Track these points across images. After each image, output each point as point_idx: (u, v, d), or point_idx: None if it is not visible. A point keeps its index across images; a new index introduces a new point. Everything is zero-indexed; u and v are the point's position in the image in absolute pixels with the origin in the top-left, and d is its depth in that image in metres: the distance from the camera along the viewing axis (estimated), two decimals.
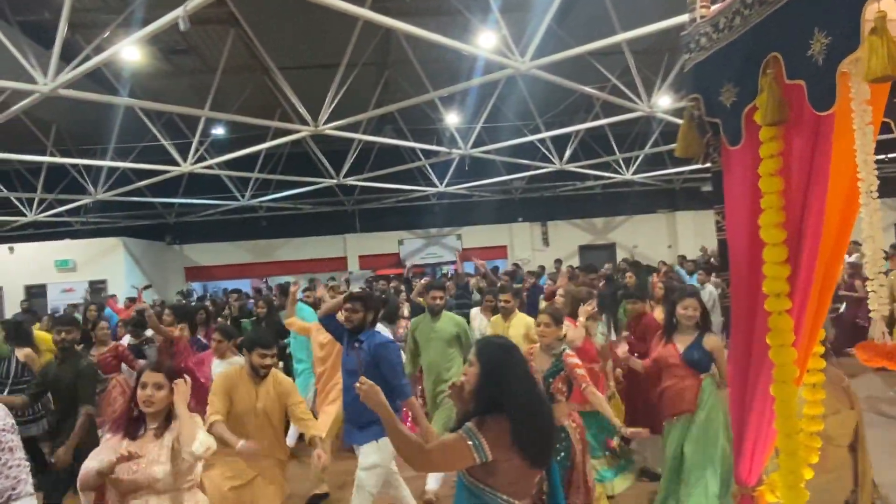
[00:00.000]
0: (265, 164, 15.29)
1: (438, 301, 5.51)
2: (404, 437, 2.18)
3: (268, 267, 19.03)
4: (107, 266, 16.52)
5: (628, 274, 9.05)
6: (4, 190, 14.72)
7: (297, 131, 10.29)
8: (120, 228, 18.31)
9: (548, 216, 20.05)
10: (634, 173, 16.81)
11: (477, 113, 12.52)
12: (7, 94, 8.32)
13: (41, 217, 15.63)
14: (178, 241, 19.66)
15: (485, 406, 2.20)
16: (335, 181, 14.76)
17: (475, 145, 13.00)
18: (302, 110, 9.60)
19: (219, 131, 14.65)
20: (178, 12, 5.42)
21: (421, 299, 6.32)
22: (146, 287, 12.86)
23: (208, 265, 19.43)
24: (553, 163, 14.83)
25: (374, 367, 3.96)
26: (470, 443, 2.12)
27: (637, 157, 16.17)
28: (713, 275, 9.40)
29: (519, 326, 5.58)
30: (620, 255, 19.36)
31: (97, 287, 15.93)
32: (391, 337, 5.27)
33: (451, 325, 5.49)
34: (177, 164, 12.14)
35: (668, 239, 19.86)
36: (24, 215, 15.53)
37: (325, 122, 9.75)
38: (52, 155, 13.10)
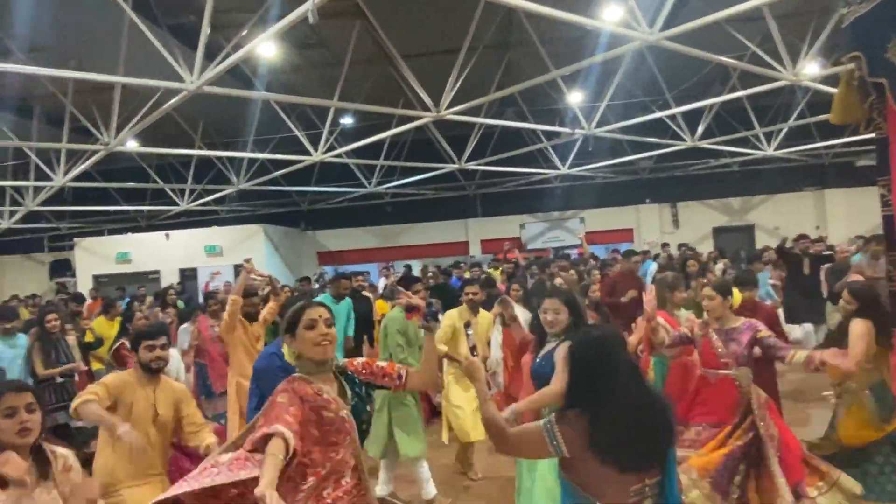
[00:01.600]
0: (390, 151, 15.72)
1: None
2: (492, 418, 2.25)
3: (392, 252, 19.61)
4: (249, 251, 17.71)
5: (690, 262, 8.32)
6: (161, 182, 16.21)
7: (420, 118, 10.46)
8: (259, 216, 19.60)
9: (678, 197, 19.05)
10: (777, 148, 15.51)
11: (601, 91, 12.09)
12: (159, 93, 9.08)
13: (192, 206, 17.08)
14: (311, 227, 20.74)
15: (572, 400, 2.13)
16: (457, 166, 14.87)
17: (599, 124, 12.56)
18: (424, 97, 9.73)
19: (347, 121, 15.23)
20: (307, 6, 5.65)
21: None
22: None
23: (338, 250, 20.35)
24: (684, 140, 14.02)
25: None
26: (545, 434, 2.09)
27: (780, 131, 14.90)
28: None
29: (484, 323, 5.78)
30: (760, 237, 18.02)
31: (240, 270, 17.16)
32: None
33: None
34: (309, 154, 12.75)
35: (816, 219, 18.19)
36: (178, 205, 17.05)
37: (447, 108, 9.82)
38: (199, 149, 14.26)
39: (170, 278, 17.06)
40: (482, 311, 5.70)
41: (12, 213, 16.08)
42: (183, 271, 17.58)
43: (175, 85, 7.47)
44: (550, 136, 14.58)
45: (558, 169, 16.11)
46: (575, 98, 12.50)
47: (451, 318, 5.52)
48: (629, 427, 2.00)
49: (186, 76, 7.34)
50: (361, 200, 19.23)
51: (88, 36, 9.71)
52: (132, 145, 12.32)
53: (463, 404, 5.34)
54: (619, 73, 11.19)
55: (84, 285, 17.44)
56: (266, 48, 8.76)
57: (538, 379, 3.41)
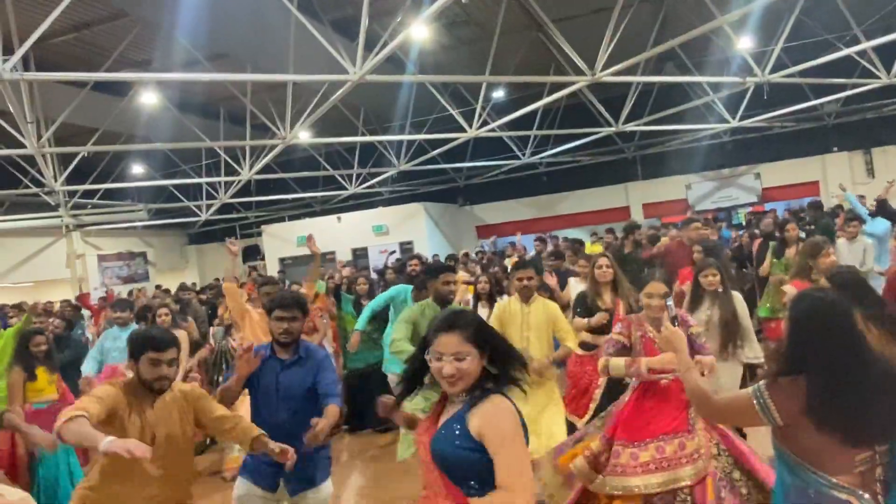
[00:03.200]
0: (543, 120, 15.52)
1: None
2: (697, 385, 2.24)
3: (551, 221, 19.41)
4: (412, 229, 18.54)
5: (789, 226, 6.91)
6: (330, 169, 17.38)
7: (574, 83, 10.19)
8: (419, 194, 20.33)
9: (872, 142, 16.83)
10: None
11: (773, 32, 10.97)
12: (325, 86, 9.70)
13: (359, 189, 18.14)
14: (469, 202, 21.14)
15: (788, 365, 2.00)
16: (614, 129, 14.32)
17: (774, 70, 11.42)
18: (577, 60, 9.45)
19: (499, 94, 15.24)
20: None
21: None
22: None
23: (496, 223, 20.56)
24: (878, 77, 12.33)
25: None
26: (755, 402, 1.99)
27: None
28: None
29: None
30: None
31: (406, 248, 18.03)
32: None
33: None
34: (464, 131, 12.97)
35: None
36: (346, 189, 18.19)
37: (603, 69, 9.47)
38: (362, 135, 15.08)
39: (344, 258, 18.33)
40: (539, 299, 4.63)
41: (209, 207, 18.17)
42: (355, 251, 18.78)
43: (340, 77, 7.93)
44: (717, 87, 13.53)
45: (728, 122, 14.91)
46: (744, 44, 11.45)
47: (498, 309, 4.69)
48: (853, 396, 1.88)
49: (349, 67, 7.76)
50: (516, 172, 19.22)
51: (260, 39, 10.58)
52: (304, 137, 13.30)
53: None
54: (795, 10, 10.09)
55: (272, 268, 19.30)
56: (418, 31, 9.00)
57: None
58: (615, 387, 4.26)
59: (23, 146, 10.24)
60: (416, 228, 18.51)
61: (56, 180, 13.21)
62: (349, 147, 17.52)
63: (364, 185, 18.04)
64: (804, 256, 4.61)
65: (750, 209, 17.02)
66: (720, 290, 4.41)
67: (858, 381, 1.89)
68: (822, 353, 1.93)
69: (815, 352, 1.94)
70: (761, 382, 2.04)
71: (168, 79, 10.14)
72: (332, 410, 3.02)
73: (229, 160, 14.38)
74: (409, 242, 18.25)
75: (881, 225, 7.64)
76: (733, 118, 14.67)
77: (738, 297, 4.54)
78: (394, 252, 14.29)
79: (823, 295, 2.10)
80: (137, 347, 2.77)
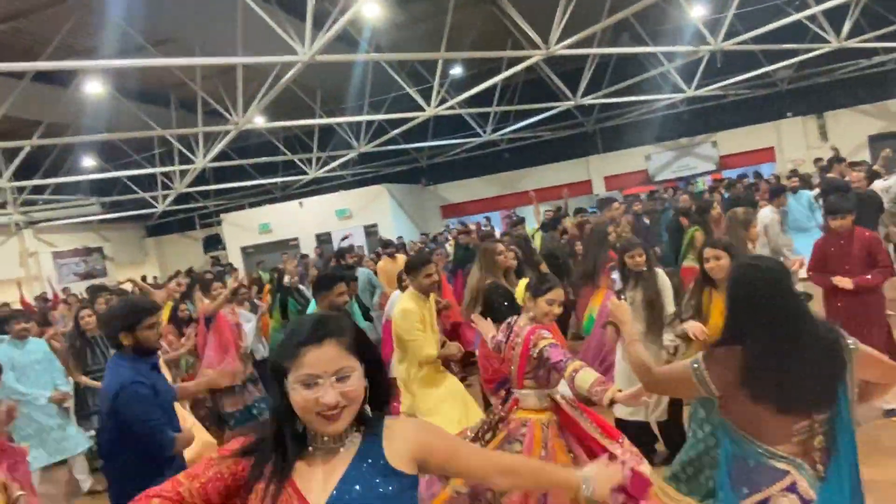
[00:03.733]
0: (502, 96, 15.44)
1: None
2: (639, 357, 2.22)
3: (515, 198, 19.45)
4: (376, 211, 18.38)
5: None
6: (289, 153, 17.06)
7: (530, 56, 10.13)
8: (382, 176, 20.15)
9: (825, 106, 17.18)
10: None
11: (726, 0, 11.04)
12: (278, 68, 9.45)
13: (320, 173, 17.88)
14: (432, 181, 21.03)
15: (726, 335, 2.01)
16: (572, 103, 14.33)
17: (727, 37, 11.52)
18: (532, 34, 9.39)
19: (456, 71, 15.10)
20: None
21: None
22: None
23: (460, 202, 20.52)
24: (828, 41, 12.54)
25: None
26: (693, 373, 1.99)
27: None
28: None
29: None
30: None
31: (370, 231, 17.87)
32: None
33: None
34: (422, 109, 12.82)
35: None
36: (307, 174, 17.90)
37: (558, 42, 9.41)
38: (320, 117, 14.81)
39: (307, 244, 18.08)
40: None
41: (165, 197, 17.70)
42: (319, 236, 18.56)
43: (290, 58, 7.74)
44: (672, 56, 13.61)
45: (684, 91, 15.05)
46: (697, 12, 11.51)
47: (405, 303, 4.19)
48: (786, 366, 1.86)
49: (299, 48, 7.56)
50: (478, 150, 19.16)
51: (207, 21, 10.25)
52: (259, 121, 13.01)
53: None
54: None
55: (234, 257, 18.96)
56: (370, 9, 8.81)
57: None
58: None
59: None
60: (381, 211, 18.36)
61: (1, 176, 12.70)
62: (308, 130, 17.21)
63: (325, 169, 17.78)
64: (734, 227, 4.65)
65: (709, 177, 17.27)
66: (644, 269, 4.20)
67: (792, 351, 1.87)
68: (758, 323, 1.91)
69: (752, 323, 1.92)
70: (699, 354, 2.03)
71: (112, 66, 9.75)
72: None
73: (182, 148, 13.97)
74: (374, 225, 18.10)
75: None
76: (689, 87, 14.81)
77: (661, 275, 4.32)
78: (347, 237, 14.08)
79: (760, 264, 2.06)
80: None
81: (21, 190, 15.54)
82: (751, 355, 1.90)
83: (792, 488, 1.87)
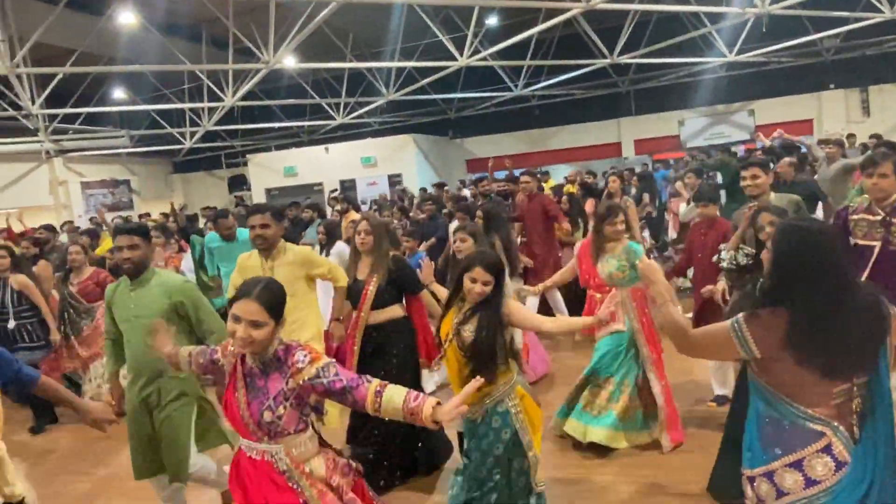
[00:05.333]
0: (536, 50, 15.11)
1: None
2: (672, 319, 2.10)
3: (542, 156, 19.24)
4: (401, 161, 18.31)
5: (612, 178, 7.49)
6: (317, 97, 16.95)
7: (569, 9, 9.86)
8: (409, 126, 19.98)
9: (870, 80, 16.58)
10: None
11: None
12: (311, 6, 9.32)
13: (347, 120, 17.78)
14: (460, 134, 20.83)
15: (770, 296, 1.94)
16: (608, 61, 13.98)
17: (775, 0, 11.08)
18: None
19: (492, 21, 14.77)
20: None
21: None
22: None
23: (487, 157, 20.32)
24: (881, 11, 12.02)
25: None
26: (733, 334, 1.93)
27: None
28: None
29: None
30: None
31: (394, 180, 17.85)
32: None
33: None
34: (454, 59, 12.61)
35: None
36: (334, 118, 17.82)
37: None
38: (350, 61, 14.64)
39: (332, 189, 18.14)
40: (289, 248, 4.03)
41: (192, 134, 17.78)
42: (343, 182, 18.59)
43: None
44: (716, 18, 13.16)
45: (725, 56, 14.59)
46: None
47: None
48: (834, 329, 1.83)
49: None
50: (508, 105, 18.87)
51: None
52: (290, 62, 12.89)
53: None
54: None
55: (258, 198, 19.09)
56: None
57: None
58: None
59: None
60: (406, 160, 18.29)
61: (34, 103, 12.81)
62: (337, 75, 17.04)
63: (352, 115, 17.68)
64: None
65: (743, 146, 16.89)
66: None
67: (839, 314, 1.84)
68: (806, 286, 1.86)
69: (800, 285, 1.87)
70: (740, 315, 1.98)
71: None
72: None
73: (212, 86, 13.95)
74: (398, 175, 18.06)
75: None
76: (730, 52, 14.34)
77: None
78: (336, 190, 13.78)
79: (809, 225, 2.01)
80: None
81: (52, 118, 15.68)
82: (797, 318, 1.85)
83: (827, 450, 1.86)
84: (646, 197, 8.89)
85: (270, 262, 3.89)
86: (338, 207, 9.19)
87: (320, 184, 18.85)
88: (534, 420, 2.94)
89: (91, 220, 14.97)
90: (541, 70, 16.44)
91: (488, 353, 2.82)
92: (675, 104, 18.08)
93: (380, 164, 18.43)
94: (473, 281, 2.85)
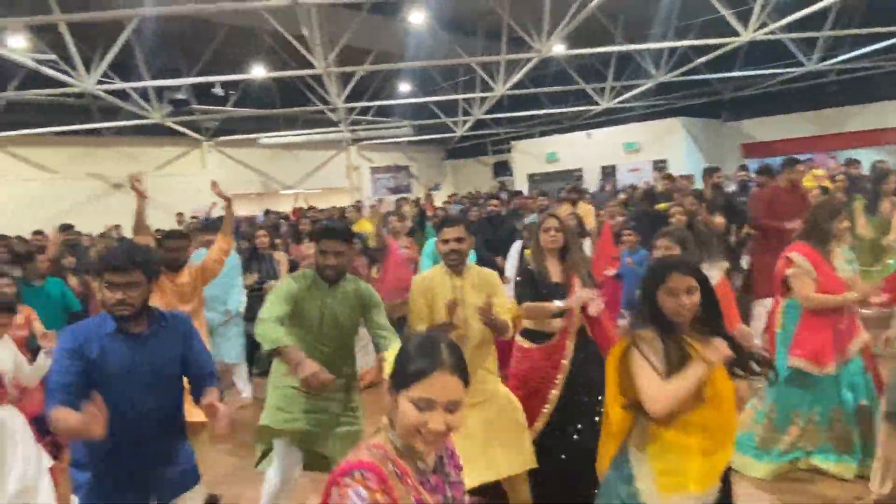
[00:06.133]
0: (838, 19, 13.19)
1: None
2: None
3: (836, 139, 16.78)
4: (667, 146, 17.46)
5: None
6: (582, 83, 16.92)
7: None
8: (676, 109, 18.91)
9: None
10: None
11: None
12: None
13: (611, 104, 17.47)
14: (734, 116, 19.14)
15: None
16: None
17: None
18: None
19: None
20: None
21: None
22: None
23: (767, 140, 18.38)
24: None
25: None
26: None
27: None
28: None
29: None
30: None
31: (659, 166, 17.11)
32: None
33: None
34: (736, 34, 11.60)
35: None
36: (598, 104, 17.63)
37: None
38: (619, 44, 14.32)
39: (592, 175, 18.05)
40: (473, 267, 3.40)
41: (464, 123, 19.03)
42: (604, 168, 18.36)
43: None
44: None
45: None
46: None
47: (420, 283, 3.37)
48: None
49: None
50: (796, 82, 16.77)
51: None
52: (559, 49, 13.05)
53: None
54: None
55: (520, 184, 19.79)
56: None
57: None
58: (577, 383, 3.39)
59: (312, 67, 11.75)
60: (672, 146, 17.40)
61: (338, 98, 14.84)
62: (604, 59, 16.78)
63: (617, 100, 17.31)
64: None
65: None
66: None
67: None
68: None
69: None
70: None
71: None
72: (213, 394, 2.48)
73: (485, 76, 14.76)
74: (663, 161, 17.27)
75: None
76: None
77: None
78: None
79: None
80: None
81: (350, 111, 18.03)
82: None
83: None
84: None
85: (460, 282, 3.27)
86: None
87: (580, 169, 18.87)
88: None
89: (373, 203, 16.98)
90: (840, 41, 14.31)
91: None
92: None
93: (644, 150, 17.80)
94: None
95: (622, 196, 10.25)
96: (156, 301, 3.16)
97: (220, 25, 13.15)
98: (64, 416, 2.09)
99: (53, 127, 14.31)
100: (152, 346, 2.39)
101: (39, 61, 10.27)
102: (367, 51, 14.29)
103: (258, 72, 14.01)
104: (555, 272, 3.49)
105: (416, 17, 12.03)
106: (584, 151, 18.81)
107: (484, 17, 14.03)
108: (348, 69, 13.37)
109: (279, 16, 10.82)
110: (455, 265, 3.25)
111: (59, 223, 8.76)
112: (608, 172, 18.19)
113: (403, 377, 1.44)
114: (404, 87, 18.39)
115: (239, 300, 5.93)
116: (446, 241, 3.22)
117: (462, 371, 1.45)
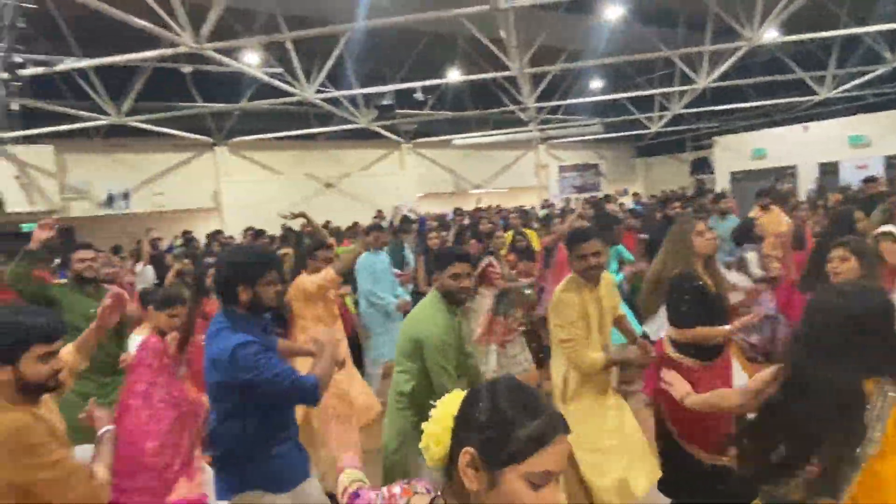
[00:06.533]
0: None
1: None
2: None
3: None
4: None
5: None
6: (799, 71, 15.31)
7: None
8: None
9: None
10: None
11: None
12: None
13: (833, 94, 15.61)
14: None
15: None
16: None
17: None
18: None
19: None
20: None
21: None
22: None
23: None
24: None
25: None
26: None
27: None
28: None
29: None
30: None
31: (892, 162, 14.98)
32: None
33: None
34: None
35: None
36: (816, 94, 15.83)
37: None
38: (845, 27, 12.74)
39: (808, 173, 16.35)
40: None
41: (660, 118, 18.17)
42: (823, 165, 16.50)
43: None
44: None
45: None
46: None
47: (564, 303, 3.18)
48: None
49: None
50: None
51: None
52: (771, 36, 11.93)
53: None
54: None
55: (721, 182, 18.45)
56: None
57: None
58: None
59: (505, 68, 11.95)
60: None
61: (530, 98, 14.93)
62: (825, 45, 15.02)
63: (841, 89, 15.41)
64: None
65: None
66: None
67: None
68: None
69: None
70: None
71: None
72: None
73: (686, 69, 13.96)
74: None
75: None
76: None
77: None
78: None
79: None
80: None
81: (541, 110, 18.06)
82: None
83: None
84: None
85: (596, 294, 3.19)
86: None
87: (793, 167, 17.12)
88: None
89: (565, 202, 16.84)
90: None
91: None
92: None
93: (874, 144, 15.69)
94: None
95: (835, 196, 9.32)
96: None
97: (421, 34, 13.87)
98: (321, 372, 2.46)
99: (278, 132, 16.11)
100: None
101: (270, 75, 11.60)
102: (560, 49, 14.21)
103: (454, 76, 14.57)
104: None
105: (614, 13, 11.73)
106: (798, 147, 17.04)
107: (686, 5, 13.27)
108: (542, 69, 13.40)
109: (476, 21, 11.15)
110: (595, 279, 3.15)
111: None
112: (828, 170, 16.31)
113: (508, 448, 1.11)
114: (595, 84, 18.02)
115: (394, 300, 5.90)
116: (584, 257, 3.08)
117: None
